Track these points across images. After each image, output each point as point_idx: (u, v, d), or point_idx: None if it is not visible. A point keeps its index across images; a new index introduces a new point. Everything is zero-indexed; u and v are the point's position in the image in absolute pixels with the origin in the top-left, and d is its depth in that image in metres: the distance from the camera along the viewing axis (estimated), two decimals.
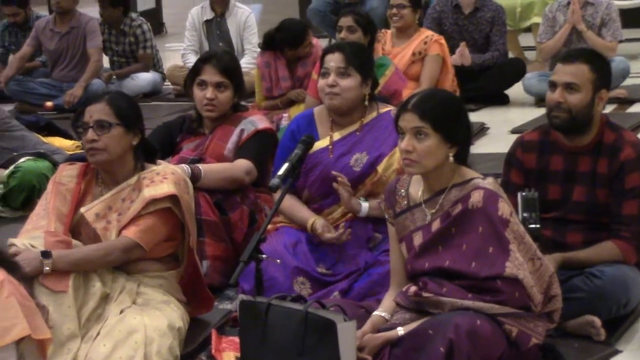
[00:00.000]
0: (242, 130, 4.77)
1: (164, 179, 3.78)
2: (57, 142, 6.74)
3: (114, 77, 9.21)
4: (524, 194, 3.83)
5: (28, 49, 9.04)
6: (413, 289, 3.45)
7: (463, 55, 7.77)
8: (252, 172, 4.68)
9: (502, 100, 8.57)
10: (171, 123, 5.05)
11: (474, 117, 7.99)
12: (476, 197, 3.40)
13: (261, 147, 4.72)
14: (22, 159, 5.87)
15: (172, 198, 3.77)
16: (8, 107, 8.14)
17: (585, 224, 3.96)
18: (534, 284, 3.36)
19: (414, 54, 7.01)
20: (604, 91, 3.94)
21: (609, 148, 3.94)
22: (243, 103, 5.05)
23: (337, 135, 4.30)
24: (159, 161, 3.99)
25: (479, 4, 8.06)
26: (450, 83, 7.05)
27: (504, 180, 4.12)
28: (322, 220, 4.21)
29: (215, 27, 8.82)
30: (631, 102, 8.28)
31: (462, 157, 3.51)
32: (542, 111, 4.04)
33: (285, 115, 6.80)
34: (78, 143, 6.52)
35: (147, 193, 3.74)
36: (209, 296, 4.01)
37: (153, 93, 9.30)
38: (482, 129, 7.57)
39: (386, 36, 7.18)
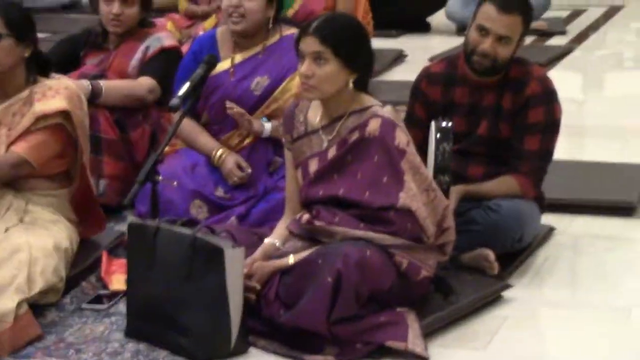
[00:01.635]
0: (147, 47, 4.67)
1: (56, 93, 3.66)
2: None
3: None
4: (440, 123, 3.72)
5: None
6: (306, 217, 3.39)
7: None
8: (155, 91, 4.59)
9: (423, 28, 8.48)
10: (76, 36, 4.91)
11: (393, 43, 7.94)
12: (373, 126, 3.34)
13: (166, 65, 4.59)
14: None
15: (64, 114, 3.65)
16: None
17: (487, 157, 3.92)
18: (427, 215, 3.32)
19: None
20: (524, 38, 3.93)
21: (515, 83, 3.89)
22: (152, 19, 4.92)
23: (238, 58, 4.17)
24: (55, 75, 3.85)
25: None
26: (362, 13, 6.86)
27: (408, 112, 4.06)
28: (234, 157, 4.10)
29: None
30: (550, 34, 8.28)
31: (363, 84, 3.44)
32: (463, 40, 3.95)
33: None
34: None
35: (38, 108, 3.62)
36: (101, 216, 3.91)
37: (72, 5, 9.04)
38: (400, 56, 7.50)
39: None
